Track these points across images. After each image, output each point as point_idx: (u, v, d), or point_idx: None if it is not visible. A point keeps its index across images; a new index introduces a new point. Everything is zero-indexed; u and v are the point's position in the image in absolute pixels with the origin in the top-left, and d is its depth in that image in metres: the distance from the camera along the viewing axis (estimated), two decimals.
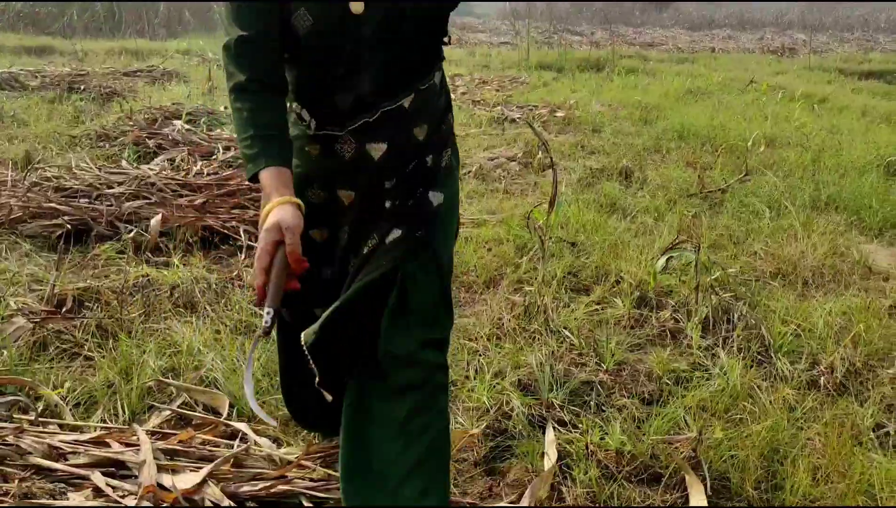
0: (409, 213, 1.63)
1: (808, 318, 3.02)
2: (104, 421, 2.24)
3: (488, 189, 5.15)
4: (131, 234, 3.69)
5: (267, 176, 1.46)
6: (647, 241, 3.92)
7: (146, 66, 9.95)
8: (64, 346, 2.68)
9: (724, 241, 4.08)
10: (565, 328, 2.95)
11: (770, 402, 2.39)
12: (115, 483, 1.88)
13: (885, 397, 2.50)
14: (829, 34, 22.10)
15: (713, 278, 3.22)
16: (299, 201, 1.48)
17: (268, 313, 1.39)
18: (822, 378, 2.58)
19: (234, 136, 1.57)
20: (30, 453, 1.96)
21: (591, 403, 2.48)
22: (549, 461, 2.11)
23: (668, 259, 3.16)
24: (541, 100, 8.86)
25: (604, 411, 2.43)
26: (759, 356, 2.77)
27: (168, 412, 2.27)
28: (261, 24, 1.49)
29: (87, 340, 2.70)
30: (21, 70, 8.68)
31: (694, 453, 2.13)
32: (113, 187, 4.14)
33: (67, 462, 1.96)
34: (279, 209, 1.44)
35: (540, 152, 5.83)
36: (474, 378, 2.56)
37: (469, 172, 5.52)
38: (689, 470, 2.07)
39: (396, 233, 1.60)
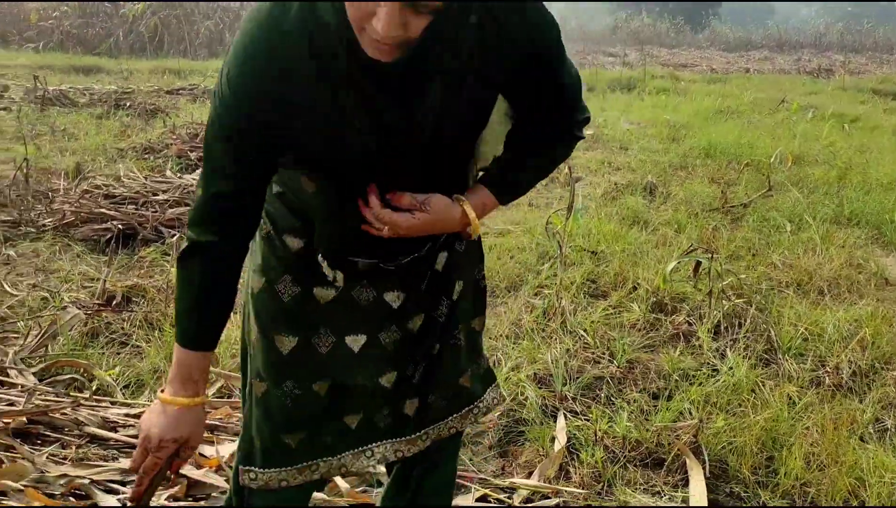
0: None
1: (818, 323, 3.13)
2: (151, 401, 2.44)
3: (514, 202, 5.32)
4: (174, 238, 3.93)
5: (189, 359, 1.24)
6: (666, 251, 4.05)
7: (188, 84, 10.34)
8: (114, 336, 2.90)
9: (743, 252, 4.19)
10: (581, 328, 3.10)
11: (772, 397, 2.51)
12: None
13: (886, 396, 2.60)
14: (868, 55, 21.95)
15: (726, 283, 3.33)
16: (206, 398, 1.31)
17: None
18: (827, 378, 2.69)
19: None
20: (86, 424, 2.17)
21: (602, 396, 2.62)
22: (559, 444, 2.26)
23: (679, 262, 3.29)
24: None
25: (613, 403, 2.57)
26: (766, 356, 2.88)
27: (209, 393, 2.47)
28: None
29: (134, 331, 2.92)
30: (70, 88, 9.10)
31: (695, 439, 2.27)
32: (157, 195, 4.41)
33: (119, 433, 2.16)
34: (186, 414, 1.24)
35: (566, 168, 5.98)
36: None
37: None
38: (689, 454, 2.21)
39: (459, 285, 1.41)
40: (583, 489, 2.11)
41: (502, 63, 1.14)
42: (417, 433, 1.41)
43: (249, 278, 1.33)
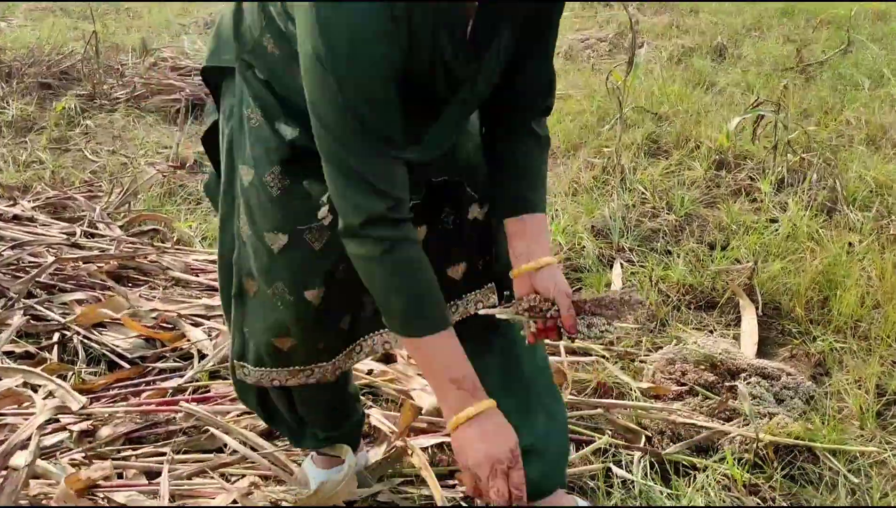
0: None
1: (888, 175, 3.05)
2: None
3: (575, 68, 5.21)
4: None
5: (447, 345, 1.14)
6: (732, 111, 3.94)
7: None
8: (189, 196, 3.07)
9: (815, 109, 4.04)
10: (641, 185, 3.10)
11: (832, 244, 2.50)
12: None
13: None
14: None
15: (792, 137, 3.25)
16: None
17: None
18: (891, 227, 2.65)
19: None
20: (170, 268, 2.35)
21: (659, 246, 2.65)
22: (614, 286, 2.34)
23: (744, 118, 3.21)
24: None
25: (670, 253, 2.61)
26: (829, 206, 2.85)
27: None
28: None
29: None
30: None
31: (749, 281, 2.30)
32: None
33: (200, 277, 2.34)
34: (492, 417, 1.14)
35: (629, 27, 5.77)
36: (550, 223, 2.77)
37: (558, 52, 5.56)
38: (742, 295, 2.25)
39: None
40: (637, 327, 2.19)
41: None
42: None
43: (239, 171, 1.25)
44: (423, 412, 1.69)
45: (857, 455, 1.68)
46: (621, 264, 2.53)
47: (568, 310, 1.22)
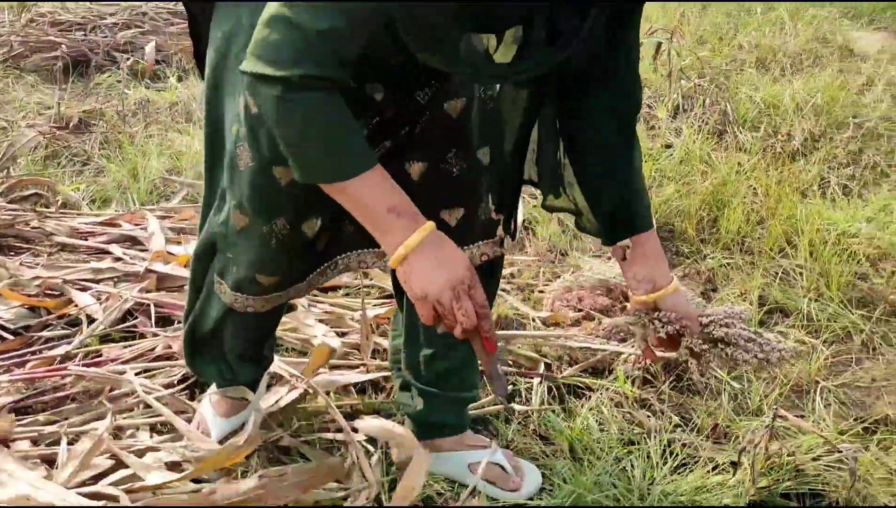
0: None
1: (775, 96, 3.15)
2: (118, 212, 2.50)
3: None
4: (129, 62, 3.84)
5: (384, 176, 1.02)
6: None
7: None
8: (75, 158, 2.92)
9: (709, 35, 4.12)
10: None
11: (722, 165, 2.58)
12: (131, 252, 2.17)
13: (834, 156, 2.68)
14: None
15: (686, 63, 3.31)
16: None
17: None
18: (778, 145, 2.75)
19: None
20: (55, 233, 2.24)
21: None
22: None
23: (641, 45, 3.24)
24: None
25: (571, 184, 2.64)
26: (720, 129, 2.93)
27: (173, 202, 2.53)
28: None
29: (94, 151, 2.93)
30: None
31: None
32: (105, 19, 4.23)
33: (89, 240, 2.24)
34: (439, 239, 1.04)
35: None
36: None
37: None
38: None
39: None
40: (536, 258, 2.22)
41: None
42: None
43: (245, 99, 1.14)
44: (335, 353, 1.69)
45: None
46: (523, 197, 2.55)
47: (696, 334, 1.17)
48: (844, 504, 1.46)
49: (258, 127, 1.13)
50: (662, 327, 1.18)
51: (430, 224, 1.03)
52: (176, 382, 1.67)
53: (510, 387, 1.70)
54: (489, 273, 1.36)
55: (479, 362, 1.24)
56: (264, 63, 0.94)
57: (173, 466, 1.43)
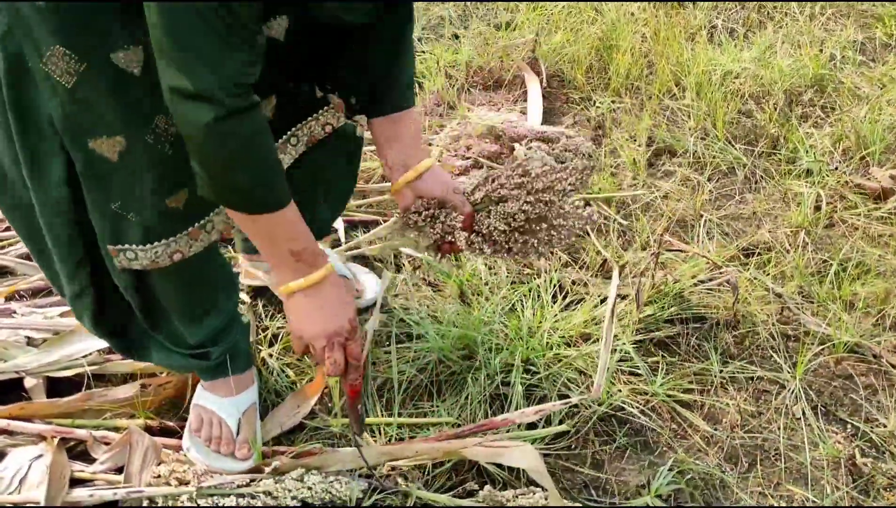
0: None
1: None
2: None
3: None
4: None
5: (288, 219, 1.00)
6: None
7: None
8: None
9: None
10: None
11: (613, 12, 2.51)
12: None
13: (723, 1, 2.64)
14: None
15: None
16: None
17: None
18: None
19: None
20: None
21: (446, 33, 2.56)
22: None
23: None
24: None
25: (458, 38, 2.53)
26: None
27: None
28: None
29: None
30: None
31: (533, 54, 2.28)
32: None
33: None
34: (331, 287, 1.05)
35: None
36: None
37: None
38: (527, 69, 2.24)
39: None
40: (425, 111, 2.12)
41: None
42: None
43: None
44: None
45: (629, 200, 1.76)
46: None
47: (463, 206, 1.15)
48: (724, 323, 1.51)
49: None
50: (418, 216, 1.14)
51: (325, 271, 1.04)
52: None
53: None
54: (346, 161, 1.28)
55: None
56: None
57: None
